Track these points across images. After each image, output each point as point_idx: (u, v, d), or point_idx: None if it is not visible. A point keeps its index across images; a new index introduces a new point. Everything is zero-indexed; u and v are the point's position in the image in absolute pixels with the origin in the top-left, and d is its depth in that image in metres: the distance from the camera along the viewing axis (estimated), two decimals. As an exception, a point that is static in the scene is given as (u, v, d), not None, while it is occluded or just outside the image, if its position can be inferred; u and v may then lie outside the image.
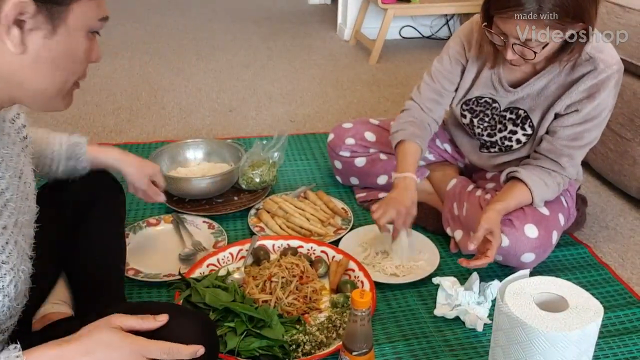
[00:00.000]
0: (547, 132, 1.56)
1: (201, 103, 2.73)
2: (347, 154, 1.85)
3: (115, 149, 1.38)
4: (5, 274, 0.80)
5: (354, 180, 1.89)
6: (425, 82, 1.70)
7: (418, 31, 3.81)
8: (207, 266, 1.50)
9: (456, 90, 1.68)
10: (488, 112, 1.64)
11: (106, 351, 0.79)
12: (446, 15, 3.73)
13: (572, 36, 1.38)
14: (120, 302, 1.28)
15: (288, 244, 1.60)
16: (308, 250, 1.59)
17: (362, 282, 1.46)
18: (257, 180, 1.86)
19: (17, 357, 0.75)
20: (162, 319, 0.86)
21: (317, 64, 3.29)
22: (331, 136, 1.90)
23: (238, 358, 1.21)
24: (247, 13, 4.33)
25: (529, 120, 1.58)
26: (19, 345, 0.76)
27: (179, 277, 1.41)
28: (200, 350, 0.85)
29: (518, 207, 1.51)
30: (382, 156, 1.84)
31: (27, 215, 0.91)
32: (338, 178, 1.96)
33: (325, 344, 1.28)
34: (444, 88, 1.67)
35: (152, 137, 2.37)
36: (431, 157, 1.88)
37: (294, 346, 1.26)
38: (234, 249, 1.58)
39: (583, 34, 1.37)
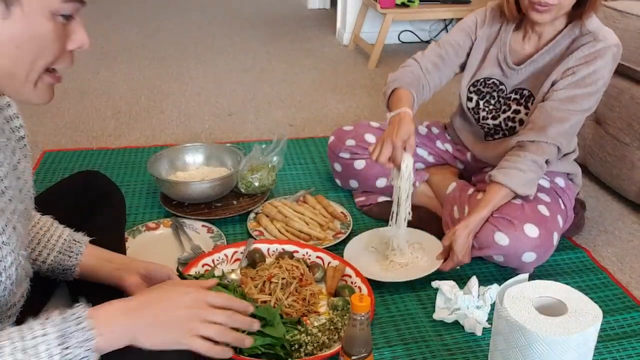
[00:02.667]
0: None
1: (200, 107, 2.73)
2: (346, 155, 1.85)
3: (120, 256, 1.18)
4: (6, 255, 0.80)
5: (353, 183, 1.90)
6: (431, 47, 1.74)
7: (417, 36, 3.82)
8: (203, 266, 1.51)
9: (461, 67, 1.73)
10: (494, 94, 1.68)
11: (171, 295, 0.81)
12: (445, 19, 3.74)
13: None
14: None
15: (283, 249, 1.60)
16: (303, 255, 1.58)
17: (359, 287, 1.45)
18: (256, 184, 1.86)
19: (84, 311, 0.76)
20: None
21: (316, 69, 3.29)
22: (331, 138, 1.91)
23: (240, 356, 1.21)
24: (247, 17, 4.34)
25: (533, 99, 1.61)
26: (83, 304, 0.77)
27: (178, 275, 1.39)
28: (255, 325, 0.87)
29: (499, 206, 1.51)
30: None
31: (23, 206, 0.91)
32: (337, 181, 1.96)
33: (327, 345, 1.28)
34: (448, 55, 1.71)
35: (151, 141, 2.37)
36: (431, 159, 1.89)
37: (296, 346, 1.26)
38: (228, 251, 1.58)
39: None
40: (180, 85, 2.99)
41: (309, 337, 1.28)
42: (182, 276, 1.36)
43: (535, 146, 1.52)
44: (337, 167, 1.90)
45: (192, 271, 1.46)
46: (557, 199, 1.60)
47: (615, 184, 2.00)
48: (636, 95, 1.88)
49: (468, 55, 1.72)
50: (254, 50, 3.59)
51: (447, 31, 3.77)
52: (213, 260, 1.54)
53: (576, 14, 1.53)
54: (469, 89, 1.73)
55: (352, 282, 1.48)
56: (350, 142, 1.85)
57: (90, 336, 0.74)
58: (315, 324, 1.35)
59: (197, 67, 3.26)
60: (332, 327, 1.33)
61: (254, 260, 1.55)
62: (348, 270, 1.50)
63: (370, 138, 1.85)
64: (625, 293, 1.55)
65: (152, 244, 1.67)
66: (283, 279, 1.42)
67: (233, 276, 1.47)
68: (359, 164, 1.84)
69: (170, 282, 0.90)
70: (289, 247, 1.60)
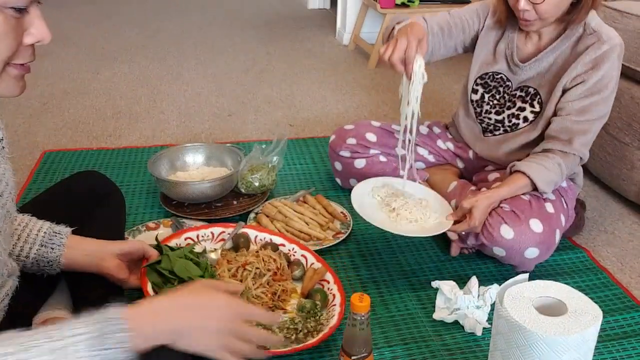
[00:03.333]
0: (555, 114, 1.58)
1: (200, 107, 2.73)
2: (347, 154, 1.85)
3: (93, 243, 1.18)
4: None
5: (354, 182, 1.90)
6: (442, 14, 1.73)
7: (417, 36, 3.82)
8: (185, 239, 1.49)
9: (464, 48, 1.73)
10: (500, 89, 1.69)
11: (208, 303, 0.82)
12: (445, 19, 3.74)
13: (577, 3, 1.47)
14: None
15: (271, 239, 1.58)
16: (289, 250, 1.56)
17: (333, 294, 1.41)
18: (256, 184, 1.86)
19: (120, 311, 0.76)
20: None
21: (316, 69, 3.29)
22: (332, 137, 1.91)
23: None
24: (247, 18, 4.34)
25: (538, 97, 1.62)
26: (118, 304, 0.77)
27: (156, 244, 1.35)
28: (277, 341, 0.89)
29: (516, 194, 1.52)
30: (382, 158, 1.84)
31: (5, 210, 0.89)
32: (337, 180, 1.96)
33: (282, 344, 1.24)
34: (455, 26, 1.70)
35: (151, 141, 2.37)
36: (431, 159, 1.89)
37: None
38: (215, 229, 1.57)
39: None
40: (180, 85, 2.99)
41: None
42: (159, 246, 1.32)
43: (563, 154, 1.54)
44: (338, 165, 1.90)
45: (173, 242, 1.44)
46: (561, 198, 1.61)
47: (615, 184, 2.00)
48: (636, 95, 1.88)
49: (473, 40, 1.72)
50: (254, 50, 3.59)
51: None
52: (198, 236, 1.53)
53: (571, 19, 1.53)
54: (475, 81, 1.73)
55: (328, 289, 1.44)
56: (351, 141, 1.85)
57: (125, 338, 0.74)
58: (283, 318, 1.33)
59: (197, 67, 3.26)
60: (291, 326, 1.30)
61: (237, 244, 1.54)
62: (328, 276, 1.47)
63: (371, 137, 1.85)
64: (625, 293, 1.55)
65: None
66: (257, 268, 1.40)
67: (212, 256, 1.46)
68: (360, 163, 1.84)
69: (202, 283, 0.88)
70: (277, 239, 1.58)
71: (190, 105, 2.75)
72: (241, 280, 1.38)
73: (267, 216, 1.78)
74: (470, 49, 1.75)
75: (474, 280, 1.44)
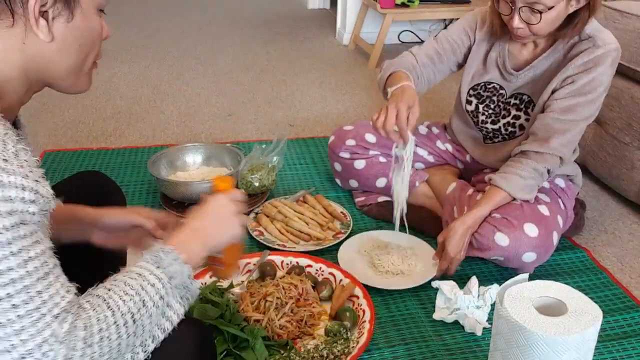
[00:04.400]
0: (542, 112, 1.57)
1: (200, 107, 2.73)
2: (347, 155, 1.85)
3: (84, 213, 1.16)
4: None
5: (353, 183, 1.90)
6: (429, 42, 1.72)
7: (417, 36, 3.82)
8: (210, 277, 1.45)
9: (458, 66, 1.72)
10: (494, 98, 1.67)
11: (220, 209, 0.99)
12: (445, 19, 3.74)
13: (574, 15, 1.46)
14: None
15: (297, 262, 1.56)
16: (317, 270, 1.53)
17: (363, 310, 1.39)
18: (256, 184, 1.86)
19: (160, 243, 0.88)
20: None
21: (316, 69, 3.29)
22: (332, 138, 1.91)
23: None
24: (247, 17, 4.34)
25: (532, 104, 1.61)
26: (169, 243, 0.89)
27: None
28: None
29: (496, 207, 1.52)
30: (382, 159, 1.84)
31: None
32: (337, 181, 1.96)
33: None
34: (444, 52, 1.69)
35: (151, 141, 2.37)
36: (431, 159, 1.89)
37: None
38: (241, 262, 1.53)
39: (586, 9, 1.44)
40: (180, 85, 2.99)
41: None
42: None
43: (538, 156, 1.52)
44: (337, 166, 1.90)
45: (201, 280, 1.43)
46: (557, 200, 1.60)
47: (615, 184, 2.00)
48: (636, 95, 1.88)
49: (466, 56, 1.71)
50: (254, 50, 3.59)
51: (447, 31, 3.78)
52: None
53: (566, 33, 1.50)
54: (468, 92, 1.72)
55: (358, 305, 1.41)
56: (350, 142, 1.85)
57: (177, 256, 0.86)
58: (304, 349, 1.30)
59: (197, 67, 3.26)
60: (316, 354, 1.27)
61: (264, 273, 1.51)
62: (357, 291, 1.43)
63: (370, 138, 1.85)
64: (625, 293, 1.55)
65: (152, 244, 1.67)
66: (278, 298, 1.36)
67: (237, 290, 1.43)
68: (359, 164, 1.84)
69: (212, 198, 1.02)
70: (303, 261, 1.56)
71: (190, 105, 2.75)
72: (264, 313, 1.35)
73: (267, 216, 1.78)
74: (464, 64, 1.74)
75: (474, 280, 1.44)
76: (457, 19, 3.57)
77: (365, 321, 1.35)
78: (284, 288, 1.40)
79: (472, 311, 1.40)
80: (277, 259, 1.57)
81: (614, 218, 1.93)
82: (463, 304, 1.40)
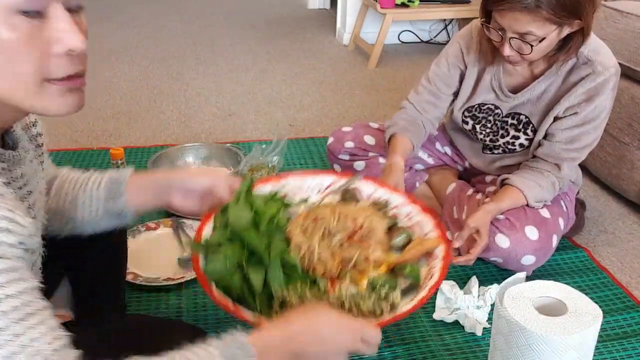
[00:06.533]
0: (545, 136, 1.57)
1: (200, 107, 2.73)
2: (346, 157, 1.85)
3: (158, 178, 1.10)
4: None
5: (353, 184, 1.89)
6: (422, 85, 1.71)
7: (417, 36, 3.82)
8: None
9: (455, 94, 1.70)
10: (490, 118, 1.66)
11: (329, 326, 0.82)
12: (445, 20, 3.74)
13: (568, 37, 1.41)
14: (120, 311, 1.29)
15: (386, 200, 1.27)
16: (407, 213, 1.24)
17: (431, 275, 1.09)
18: (256, 184, 1.86)
19: (244, 337, 0.76)
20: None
21: (316, 69, 3.29)
22: (330, 139, 1.90)
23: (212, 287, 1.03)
24: (247, 17, 4.34)
25: (531, 125, 1.60)
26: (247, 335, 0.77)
27: (247, 186, 1.12)
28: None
29: (512, 208, 1.52)
30: (381, 160, 1.84)
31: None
32: (337, 182, 1.96)
33: None
34: (440, 91, 1.69)
35: (151, 141, 2.37)
36: (430, 161, 1.88)
37: (278, 304, 1.00)
38: (327, 179, 1.32)
39: (579, 33, 1.41)
40: (180, 85, 2.99)
41: (297, 300, 1.00)
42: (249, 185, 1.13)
43: (556, 175, 1.54)
44: (337, 168, 1.90)
45: (268, 187, 1.24)
46: (559, 201, 1.60)
47: (615, 184, 2.00)
48: (636, 95, 1.88)
49: (461, 82, 1.68)
50: (254, 50, 3.59)
51: (447, 32, 3.78)
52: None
53: (560, 57, 1.47)
54: (463, 113, 1.70)
55: (431, 267, 1.11)
56: (349, 144, 1.84)
57: None
58: (336, 294, 1.03)
59: (197, 67, 3.26)
60: (338, 303, 1.01)
61: (344, 198, 1.28)
62: (439, 251, 1.13)
63: (369, 140, 1.85)
64: (625, 293, 1.55)
65: (152, 244, 1.67)
66: (326, 226, 1.12)
67: (301, 208, 1.21)
68: (359, 165, 1.84)
69: (321, 307, 0.88)
70: (395, 200, 1.28)
71: (190, 105, 2.75)
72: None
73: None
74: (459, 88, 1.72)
75: (474, 280, 1.44)
76: (457, 19, 3.58)
77: (426, 287, 1.07)
78: (340, 215, 1.14)
79: (472, 311, 1.40)
80: (367, 188, 1.31)
81: (614, 218, 1.93)
82: (463, 303, 1.40)
